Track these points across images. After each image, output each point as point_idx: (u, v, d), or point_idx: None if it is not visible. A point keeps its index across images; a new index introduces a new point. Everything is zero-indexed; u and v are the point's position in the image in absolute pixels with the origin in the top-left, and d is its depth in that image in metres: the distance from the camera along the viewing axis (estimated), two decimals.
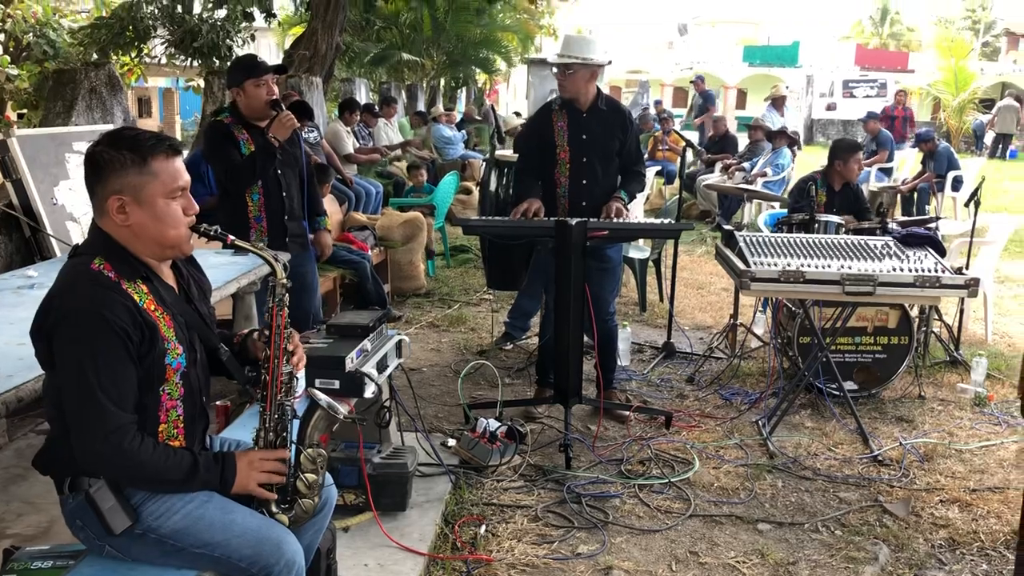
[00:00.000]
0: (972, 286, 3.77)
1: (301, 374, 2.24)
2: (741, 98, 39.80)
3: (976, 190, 5.48)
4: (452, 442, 3.93)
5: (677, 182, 12.40)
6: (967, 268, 5.38)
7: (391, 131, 11.66)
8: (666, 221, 4.25)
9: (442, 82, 18.91)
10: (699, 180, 11.40)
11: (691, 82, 16.12)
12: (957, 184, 10.43)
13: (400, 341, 3.45)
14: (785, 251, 4.10)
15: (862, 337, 4.85)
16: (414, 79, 17.65)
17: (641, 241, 6.76)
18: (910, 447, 4.16)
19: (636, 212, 7.67)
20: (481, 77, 21.20)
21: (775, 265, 3.90)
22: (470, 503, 3.52)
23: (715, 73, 40.15)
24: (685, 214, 11.56)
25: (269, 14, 13.44)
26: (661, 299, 6.82)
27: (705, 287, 7.56)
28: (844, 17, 55.82)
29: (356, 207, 8.42)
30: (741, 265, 3.94)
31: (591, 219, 4.00)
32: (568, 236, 3.83)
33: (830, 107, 21.14)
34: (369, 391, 3.03)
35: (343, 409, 2.24)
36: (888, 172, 11.57)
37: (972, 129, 22.60)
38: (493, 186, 5.33)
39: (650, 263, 6.81)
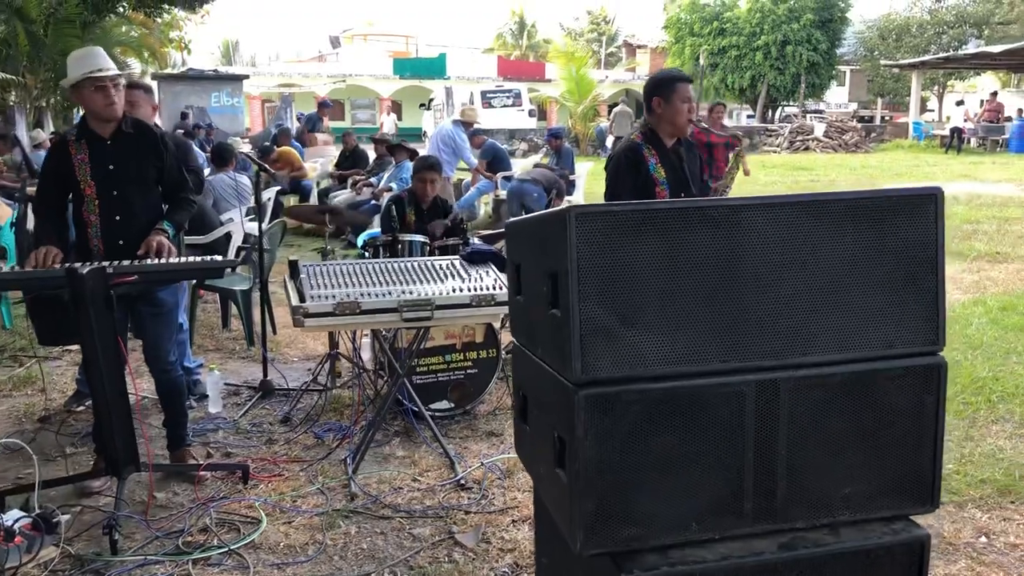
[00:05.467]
0: None
1: None
2: (397, 109, 40.45)
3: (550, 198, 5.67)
4: None
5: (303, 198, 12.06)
6: None
7: None
8: (216, 258, 3.83)
9: (53, 102, 16.97)
10: (331, 196, 11.14)
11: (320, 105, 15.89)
12: (571, 187, 11.10)
13: None
14: (348, 280, 3.87)
15: (452, 355, 4.80)
16: (16, 100, 15.68)
17: (239, 269, 6.31)
18: (491, 465, 4.13)
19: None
20: None
21: (333, 297, 3.66)
22: None
23: (369, 85, 40.55)
24: (319, 232, 11.26)
25: None
26: (274, 332, 6.40)
27: None
28: (488, 30, 58.90)
29: None
30: (295, 300, 3.65)
31: (116, 263, 3.49)
32: (83, 286, 3.30)
33: None
34: None
35: None
36: (510, 179, 12.04)
37: (595, 134, 24.56)
38: (32, 226, 4.61)
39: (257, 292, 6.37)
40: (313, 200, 11.79)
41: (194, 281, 5.91)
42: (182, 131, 15.12)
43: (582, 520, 1.76)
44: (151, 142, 3.84)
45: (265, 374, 5.27)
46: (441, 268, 4.08)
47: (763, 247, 1.79)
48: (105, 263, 3.43)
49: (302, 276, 3.89)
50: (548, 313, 1.84)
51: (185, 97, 20.80)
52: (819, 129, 26.33)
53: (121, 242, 3.76)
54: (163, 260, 3.59)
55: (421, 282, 3.88)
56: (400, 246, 4.89)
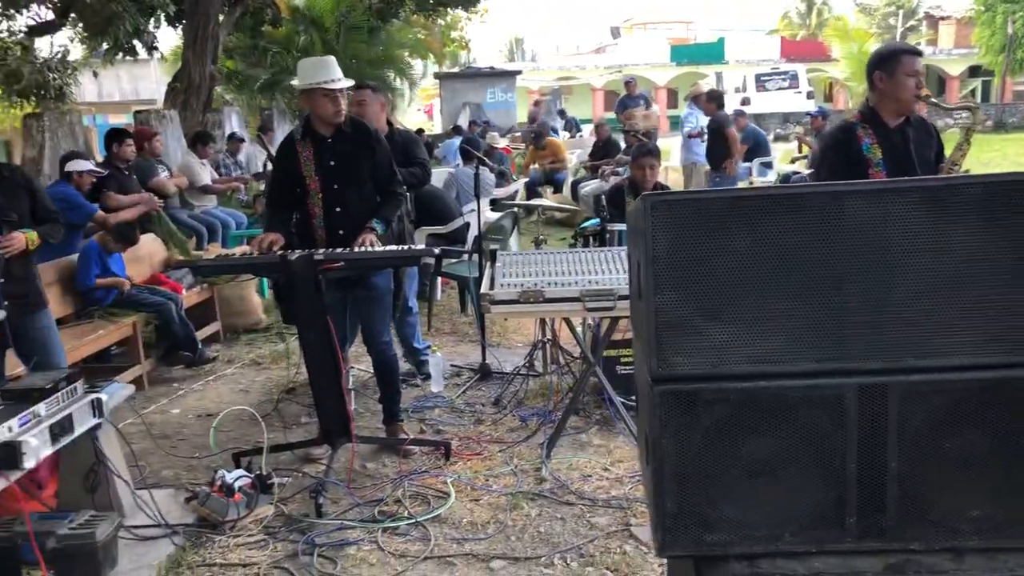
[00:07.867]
0: None
1: None
2: (672, 97, 40.01)
3: None
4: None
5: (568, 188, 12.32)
6: None
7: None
8: (419, 247, 4.08)
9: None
10: (580, 187, 11.32)
11: (625, 83, 15.91)
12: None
13: (97, 399, 3.23)
14: (539, 269, 3.95)
15: None
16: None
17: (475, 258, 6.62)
18: None
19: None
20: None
21: (521, 285, 3.75)
22: (190, 565, 3.31)
23: (644, 74, 40.46)
24: (569, 222, 11.50)
25: (150, 48, 13.18)
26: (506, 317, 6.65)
27: None
28: (772, 11, 56.39)
29: (211, 239, 8.24)
30: (486, 287, 3.79)
31: (326, 250, 3.82)
32: (293, 271, 3.64)
33: (744, 102, 21.22)
34: (29, 461, 2.81)
35: None
36: (769, 165, 11.56)
37: None
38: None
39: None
40: (565, 191, 12.04)
41: (431, 268, 6.33)
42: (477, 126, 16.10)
43: (662, 521, 1.69)
44: (364, 140, 4.15)
45: (483, 357, 5.50)
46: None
47: (871, 237, 1.61)
48: (314, 251, 3.76)
49: (498, 264, 4.03)
50: (638, 305, 1.79)
51: (463, 94, 21.96)
52: None
53: (342, 232, 4.10)
54: (366, 248, 3.88)
55: (609, 272, 3.87)
56: (608, 235, 4.89)
